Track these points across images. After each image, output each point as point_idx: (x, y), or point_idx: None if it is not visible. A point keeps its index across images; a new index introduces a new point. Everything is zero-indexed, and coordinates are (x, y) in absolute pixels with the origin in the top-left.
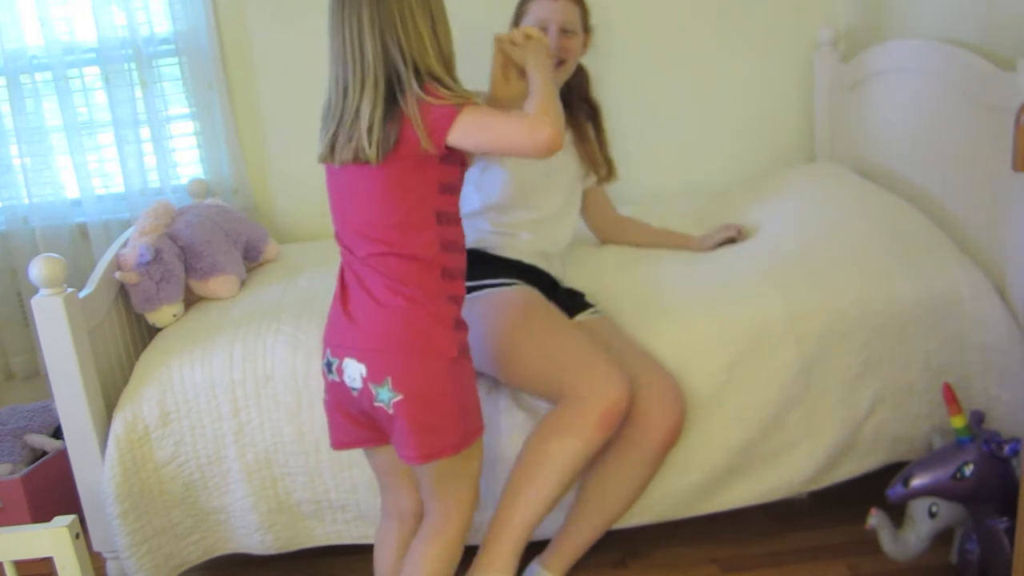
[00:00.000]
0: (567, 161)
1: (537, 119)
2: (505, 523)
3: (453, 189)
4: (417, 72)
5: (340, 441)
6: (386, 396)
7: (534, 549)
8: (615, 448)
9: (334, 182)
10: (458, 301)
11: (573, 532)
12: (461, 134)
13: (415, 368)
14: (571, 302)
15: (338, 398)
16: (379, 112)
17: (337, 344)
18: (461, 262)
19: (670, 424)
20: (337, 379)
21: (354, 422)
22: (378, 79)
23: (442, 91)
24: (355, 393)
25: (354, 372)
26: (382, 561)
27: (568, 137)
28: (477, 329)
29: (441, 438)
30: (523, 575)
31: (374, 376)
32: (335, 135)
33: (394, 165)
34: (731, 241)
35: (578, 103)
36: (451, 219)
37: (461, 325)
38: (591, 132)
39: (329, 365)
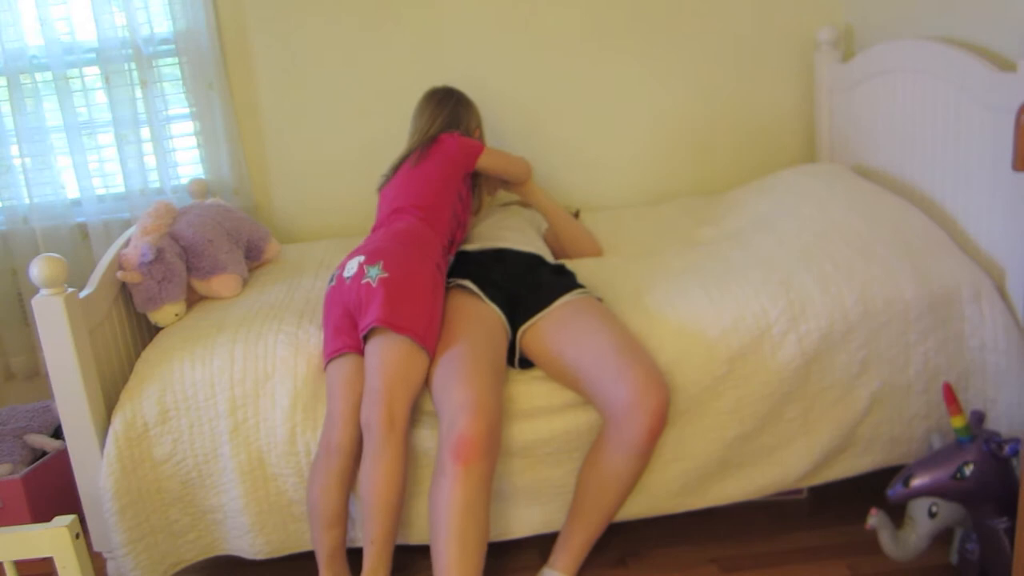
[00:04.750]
0: None
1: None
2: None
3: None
4: None
5: (330, 350)
6: (374, 273)
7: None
8: (602, 442)
9: None
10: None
11: (574, 530)
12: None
13: (406, 257)
14: (555, 280)
15: (330, 304)
16: None
17: (347, 259)
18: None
19: (650, 417)
20: (334, 283)
21: (338, 329)
22: None
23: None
24: (348, 281)
25: (353, 264)
26: (312, 495)
27: None
28: None
29: (404, 318)
30: None
31: (371, 259)
32: None
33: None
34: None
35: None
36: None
37: (446, 255)
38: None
39: (332, 277)
